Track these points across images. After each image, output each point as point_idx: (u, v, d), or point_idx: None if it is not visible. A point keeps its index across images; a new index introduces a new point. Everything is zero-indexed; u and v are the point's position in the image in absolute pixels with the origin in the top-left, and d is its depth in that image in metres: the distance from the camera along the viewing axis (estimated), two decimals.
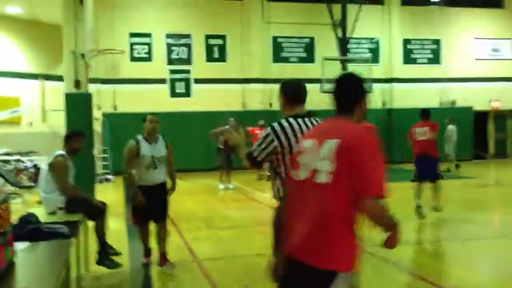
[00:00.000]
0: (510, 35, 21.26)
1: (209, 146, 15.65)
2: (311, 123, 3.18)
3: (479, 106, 20.59)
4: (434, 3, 20.69)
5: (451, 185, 13.49)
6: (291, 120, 3.18)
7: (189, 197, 12.35)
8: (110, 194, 12.08)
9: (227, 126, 12.78)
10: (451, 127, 16.60)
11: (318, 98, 17.94)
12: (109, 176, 15.93)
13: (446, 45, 20.78)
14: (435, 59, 20.81)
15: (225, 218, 9.24)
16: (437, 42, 20.80)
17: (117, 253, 6.16)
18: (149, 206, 5.61)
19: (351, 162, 2.20)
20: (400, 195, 11.57)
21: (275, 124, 3.18)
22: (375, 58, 19.60)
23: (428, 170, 8.45)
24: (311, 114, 3.23)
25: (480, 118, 21.00)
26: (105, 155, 17.13)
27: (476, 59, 21.06)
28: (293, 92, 3.30)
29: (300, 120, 3.19)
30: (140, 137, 5.71)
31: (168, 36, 18.51)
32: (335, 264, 2.20)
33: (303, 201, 2.34)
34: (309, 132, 2.83)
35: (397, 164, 19.33)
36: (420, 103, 19.94)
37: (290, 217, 2.39)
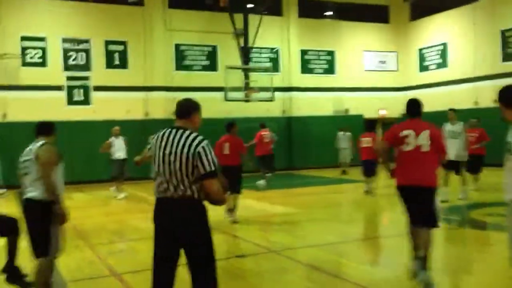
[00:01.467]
0: (394, 48, 23.19)
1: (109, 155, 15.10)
2: (170, 133, 3.53)
3: (368, 114, 22.12)
4: (328, 16, 21.96)
5: (347, 189, 14.37)
6: (166, 129, 3.60)
7: (95, 209, 11.87)
8: (4, 208, 11.20)
9: (112, 137, 13.19)
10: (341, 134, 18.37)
11: (221, 107, 18.34)
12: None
13: (339, 56, 22.13)
14: (329, 69, 22.04)
15: (136, 230, 9.00)
16: (331, 53, 22.06)
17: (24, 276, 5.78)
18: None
19: (436, 141, 5.07)
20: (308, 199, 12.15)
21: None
22: (275, 67, 20.28)
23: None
24: (177, 128, 3.56)
25: (370, 125, 22.55)
26: None
27: (365, 70, 22.67)
28: (176, 108, 3.69)
29: (168, 130, 3.56)
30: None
31: (65, 40, 17.60)
32: (434, 184, 5.05)
33: (414, 160, 5.01)
34: (407, 125, 5.16)
35: (297, 170, 20.23)
36: (316, 111, 21.11)
37: (403, 168, 5.10)
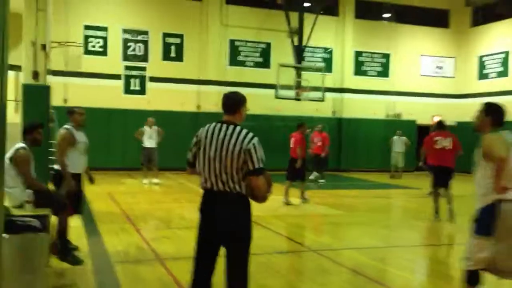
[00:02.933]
0: (453, 54, 22.53)
1: (163, 145, 15.56)
2: (220, 128, 3.55)
3: (422, 120, 21.62)
4: (385, 19, 21.60)
5: (395, 194, 14.16)
6: (213, 124, 3.63)
7: (144, 196, 12.30)
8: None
9: (145, 127, 14.09)
10: (396, 138, 18.07)
11: (271, 104, 18.49)
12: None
13: (394, 60, 21.73)
14: (383, 72, 21.69)
15: (182, 218, 9.28)
16: (386, 56, 21.70)
17: (75, 248, 6.13)
18: (78, 193, 6.19)
19: (455, 143, 9.35)
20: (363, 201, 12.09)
21: (202, 127, 3.68)
22: (328, 68, 20.16)
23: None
24: (227, 122, 3.58)
25: (423, 131, 22.03)
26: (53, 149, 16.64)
27: (421, 75, 22.15)
28: (222, 102, 3.70)
29: (218, 125, 3.59)
30: (68, 126, 6.20)
31: (125, 31, 18.25)
32: None
33: (441, 154, 9.17)
34: (439, 134, 9.35)
35: (346, 172, 20.07)
36: (368, 113, 20.85)
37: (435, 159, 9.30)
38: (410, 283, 5.72)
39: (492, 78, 21.07)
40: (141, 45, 18.41)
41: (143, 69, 18.38)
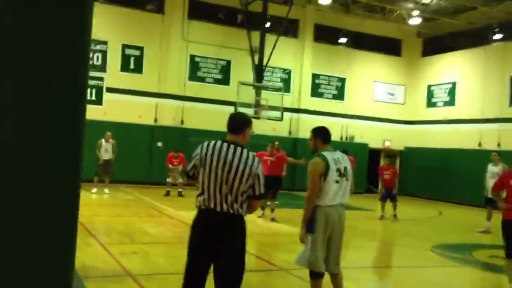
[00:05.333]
0: (404, 81, 23.52)
1: (119, 157, 15.20)
2: (228, 148, 3.57)
3: (373, 144, 22.33)
4: (342, 44, 22.30)
5: (348, 215, 14.47)
6: (218, 142, 3.63)
7: (101, 209, 11.93)
8: None
9: (102, 139, 14.65)
10: None
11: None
12: None
13: (349, 84, 22.41)
14: (339, 95, 22.30)
15: (146, 234, 9.07)
16: (342, 80, 22.35)
17: None
18: None
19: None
20: None
21: (206, 142, 3.68)
22: (286, 88, 20.49)
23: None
24: (233, 143, 3.60)
25: (373, 154, 22.78)
26: None
27: (374, 100, 22.95)
28: (228, 122, 3.76)
29: (224, 144, 3.59)
30: None
31: None
32: None
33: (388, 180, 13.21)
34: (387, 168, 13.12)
35: (299, 191, 20.31)
36: None
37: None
38: None
39: (439, 106, 22.15)
40: (99, 55, 18.01)
41: (101, 79, 17.94)
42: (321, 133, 5.04)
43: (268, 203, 11.61)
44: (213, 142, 3.60)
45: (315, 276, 4.85)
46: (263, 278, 6.84)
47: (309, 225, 4.80)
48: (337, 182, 4.79)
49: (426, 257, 8.76)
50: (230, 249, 3.52)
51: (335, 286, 4.98)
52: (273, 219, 11.40)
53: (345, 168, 4.90)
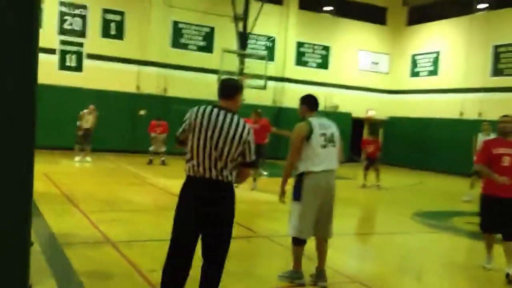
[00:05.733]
0: (388, 50, 23.43)
1: (100, 126, 14.99)
2: (218, 114, 3.50)
3: (356, 113, 22.36)
4: (327, 11, 22.02)
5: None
6: (209, 108, 3.55)
7: (83, 177, 11.81)
8: None
9: (85, 110, 14.39)
10: None
11: (214, 89, 18.22)
12: None
13: (334, 53, 22.25)
14: (323, 64, 22.16)
15: (127, 202, 9.00)
16: (326, 48, 22.17)
17: None
18: None
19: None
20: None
21: (197, 107, 3.57)
22: (270, 56, 20.27)
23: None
24: (225, 109, 3.54)
25: (357, 124, 22.83)
26: None
27: (359, 69, 22.87)
28: (219, 87, 3.67)
29: (215, 109, 3.52)
30: None
31: (62, 3, 17.27)
32: None
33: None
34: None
35: (283, 160, 20.31)
36: None
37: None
38: (357, 269, 5.92)
39: (423, 76, 22.18)
40: (79, 20, 17.52)
41: (80, 45, 17.52)
42: (307, 101, 5.04)
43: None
44: (203, 107, 3.51)
45: (298, 242, 4.84)
46: (245, 245, 6.85)
47: (296, 193, 4.76)
48: (323, 147, 4.76)
49: (406, 224, 8.88)
50: (219, 217, 3.47)
51: (319, 251, 4.97)
52: (253, 189, 11.25)
53: (332, 134, 4.87)
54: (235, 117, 3.50)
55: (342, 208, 10.28)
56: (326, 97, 21.92)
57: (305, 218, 4.73)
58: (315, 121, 4.82)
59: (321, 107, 18.70)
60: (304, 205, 4.72)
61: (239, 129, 3.45)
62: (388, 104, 23.20)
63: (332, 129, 4.92)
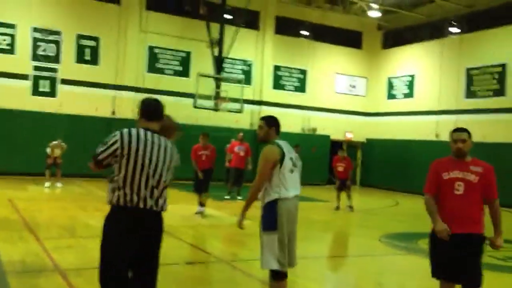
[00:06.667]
0: (365, 74, 23.69)
1: (74, 151, 14.84)
2: (153, 139, 3.31)
3: (335, 135, 22.44)
4: (303, 36, 22.28)
5: (305, 206, 14.46)
6: (141, 131, 3.31)
7: (48, 203, 11.61)
8: None
9: (54, 142, 14.31)
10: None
11: (190, 113, 18.26)
12: None
13: (311, 76, 22.43)
14: (300, 87, 22.31)
15: (88, 227, 8.82)
16: (303, 72, 22.35)
17: None
18: None
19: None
20: None
21: (125, 130, 3.31)
22: (247, 80, 20.38)
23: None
24: (156, 132, 3.38)
25: (335, 146, 22.85)
26: None
27: (336, 92, 23.05)
28: (149, 109, 3.42)
29: (148, 133, 3.31)
30: None
31: (36, 30, 17.26)
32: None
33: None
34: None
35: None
36: (284, 127, 21.21)
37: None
38: None
39: (399, 98, 22.42)
40: (53, 45, 17.49)
41: (54, 70, 17.45)
42: (276, 123, 4.68)
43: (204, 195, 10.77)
44: (134, 130, 3.26)
45: (280, 276, 4.48)
46: (202, 271, 6.72)
47: (271, 223, 4.40)
48: (291, 171, 4.53)
49: (372, 246, 8.81)
50: (154, 251, 3.30)
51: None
52: (198, 212, 10.67)
53: (296, 157, 4.68)
54: (166, 140, 3.39)
55: (312, 231, 10.24)
56: (303, 120, 22.06)
57: (283, 247, 4.42)
58: (283, 144, 4.57)
59: (299, 129, 18.91)
60: (281, 234, 4.40)
61: (173, 152, 3.39)
62: (365, 126, 23.36)
63: (294, 152, 4.71)
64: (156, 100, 3.48)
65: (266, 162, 4.40)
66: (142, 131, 3.27)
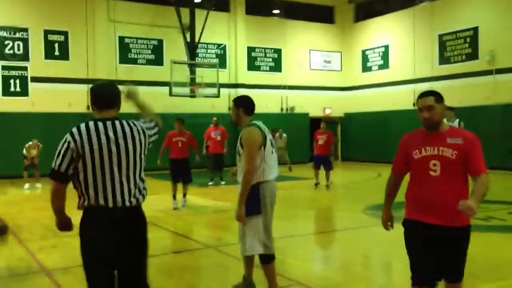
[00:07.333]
0: (339, 48, 23.69)
1: (51, 149, 14.61)
2: (116, 126, 2.99)
3: (314, 113, 22.48)
4: (275, 15, 22.13)
5: (287, 185, 14.54)
6: (91, 124, 2.96)
7: (29, 204, 11.44)
8: None
9: (30, 143, 14.30)
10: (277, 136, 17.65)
11: (166, 102, 18.09)
12: None
13: (286, 55, 22.35)
14: (276, 67, 22.23)
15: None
16: (278, 51, 22.25)
17: None
18: None
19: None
20: None
21: (74, 128, 2.95)
22: (222, 64, 20.20)
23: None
24: (108, 119, 3.01)
25: (315, 123, 22.90)
26: None
27: (311, 69, 23.03)
28: (99, 97, 3.08)
29: (99, 123, 2.97)
30: None
31: (1, 28, 16.80)
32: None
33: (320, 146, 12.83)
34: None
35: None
36: (263, 108, 21.20)
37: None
38: (310, 273, 5.87)
39: (374, 70, 22.51)
40: (20, 43, 17.06)
41: (24, 68, 17.06)
42: (243, 104, 4.49)
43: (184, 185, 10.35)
44: (83, 125, 2.93)
45: (269, 259, 4.46)
46: (190, 258, 6.72)
47: (255, 206, 4.31)
48: (272, 152, 4.45)
49: (358, 219, 8.90)
50: (135, 246, 3.01)
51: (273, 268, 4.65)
52: (182, 206, 10.18)
53: (271, 139, 4.59)
54: (124, 122, 3.02)
55: (296, 209, 10.32)
56: (282, 99, 22.04)
57: (268, 231, 4.42)
58: (261, 125, 4.42)
59: (277, 109, 18.84)
60: (266, 217, 4.37)
61: (135, 131, 3.03)
62: (343, 101, 23.45)
63: (270, 134, 4.61)
64: (109, 85, 3.15)
65: (253, 144, 4.26)
66: (92, 124, 2.93)
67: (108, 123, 2.97)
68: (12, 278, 5.59)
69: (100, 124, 2.95)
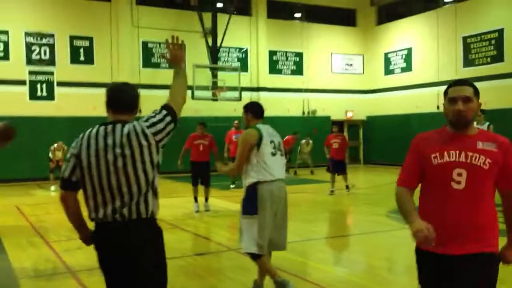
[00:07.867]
0: (361, 51, 23.56)
1: None
2: (116, 132, 2.66)
3: (336, 116, 22.38)
4: (297, 18, 22.14)
5: (308, 188, 14.49)
6: (94, 129, 2.72)
7: (55, 206, 11.66)
8: None
9: (55, 145, 14.50)
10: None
11: (188, 105, 18.22)
12: None
13: (307, 58, 22.32)
14: (297, 70, 22.22)
15: None
16: (299, 54, 22.24)
17: None
18: None
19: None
20: None
21: (81, 134, 2.76)
22: (243, 67, 20.29)
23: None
24: (119, 122, 2.71)
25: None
26: None
27: (333, 72, 22.95)
28: (111, 97, 2.78)
29: (101, 128, 2.70)
30: None
31: (28, 34, 17.21)
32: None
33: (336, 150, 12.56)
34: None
35: None
36: (284, 111, 21.25)
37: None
38: (331, 276, 5.86)
39: (397, 73, 22.31)
40: (47, 49, 17.45)
41: (50, 73, 17.44)
42: (252, 108, 4.90)
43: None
44: (87, 131, 2.73)
45: (257, 256, 4.64)
46: (212, 260, 6.77)
47: (251, 207, 4.53)
48: (273, 155, 4.63)
49: (380, 223, 8.84)
50: (142, 264, 2.63)
51: (267, 262, 4.82)
52: (206, 210, 10.10)
53: (279, 142, 4.78)
54: (126, 126, 2.67)
55: (317, 212, 10.30)
56: (303, 103, 22.01)
57: (264, 232, 4.53)
58: (262, 127, 4.70)
59: (299, 113, 18.81)
60: (262, 218, 4.50)
61: (133, 135, 2.63)
62: (365, 104, 23.30)
63: (279, 138, 4.83)
64: (124, 85, 2.83)
65: (243, 145, 4.57)
66: (95, 129, 2.68)
67: (109, 127, 2.67)
68: (39, 279, 5.72)
69: (101, 129, 2.68)
